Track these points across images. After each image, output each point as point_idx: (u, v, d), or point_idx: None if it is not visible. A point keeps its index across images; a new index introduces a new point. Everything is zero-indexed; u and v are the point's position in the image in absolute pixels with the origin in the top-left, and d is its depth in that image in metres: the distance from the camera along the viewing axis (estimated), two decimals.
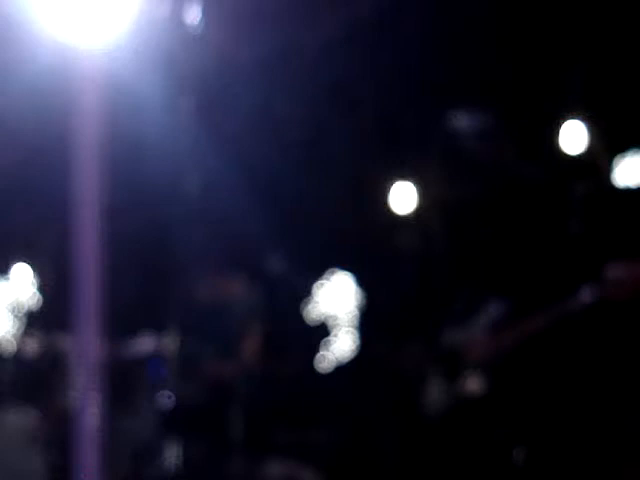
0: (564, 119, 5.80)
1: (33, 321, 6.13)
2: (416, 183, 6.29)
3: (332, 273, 6.47)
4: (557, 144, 5.73)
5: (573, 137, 6.04)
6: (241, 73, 6.04)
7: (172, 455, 4.82)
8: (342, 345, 6.42)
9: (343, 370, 6.33)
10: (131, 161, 6.46)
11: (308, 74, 6.40)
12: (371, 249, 6.44)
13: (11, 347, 5.53)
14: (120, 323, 5.40)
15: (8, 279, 6.48)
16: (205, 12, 3.08)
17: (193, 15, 2.96)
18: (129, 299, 6.12)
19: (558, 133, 5.78)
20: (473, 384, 3.43)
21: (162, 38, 5.57)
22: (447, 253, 3.80)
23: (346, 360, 6.40)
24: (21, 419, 4.85)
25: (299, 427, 6.25)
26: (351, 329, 6.43)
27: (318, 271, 6.33)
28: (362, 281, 6.50)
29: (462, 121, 3.43)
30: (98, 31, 5.18)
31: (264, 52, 6.30)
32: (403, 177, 6.45)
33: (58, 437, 4.76)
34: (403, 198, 6.54)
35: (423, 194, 6.27)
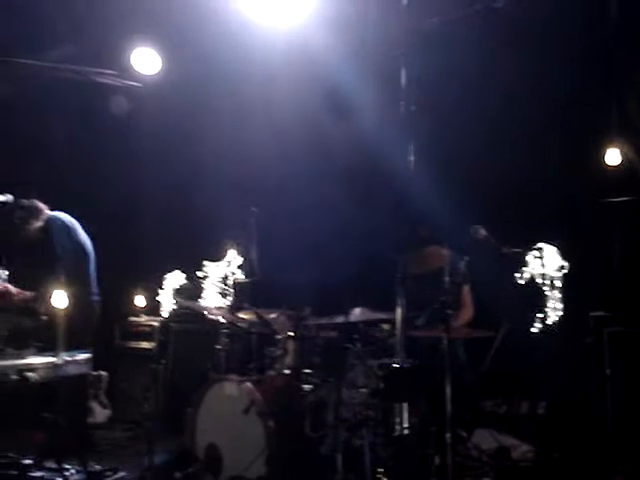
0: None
1: (246, 297, 6.34)
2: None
3: (541, 241, 6.32)
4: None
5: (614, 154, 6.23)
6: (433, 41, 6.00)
7: (388, 423, 4.90)
8: (552, 311, 6.24)
9: (553, 337, 6.18)
10: (324, 143, 6.59)
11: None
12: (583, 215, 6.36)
13: (227, 322, 5.77)
14: (335, 299, 5.54)
15: (223, 259, 6.71)
16: None
17: None
18: (341, 275, 6.25)
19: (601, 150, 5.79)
20: None
21: (351, 17, 5.65)
22: None
23: (557, 326, 6.24)
24: (238, 389, 5.06)
25: (509, 396, 6.18)
26: (562, 295, 6.25)
27: (527, 239, 6.22)
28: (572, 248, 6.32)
29: None
30: (292, 11, 5.31)
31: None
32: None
33: (273, 407, 4.95)
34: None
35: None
